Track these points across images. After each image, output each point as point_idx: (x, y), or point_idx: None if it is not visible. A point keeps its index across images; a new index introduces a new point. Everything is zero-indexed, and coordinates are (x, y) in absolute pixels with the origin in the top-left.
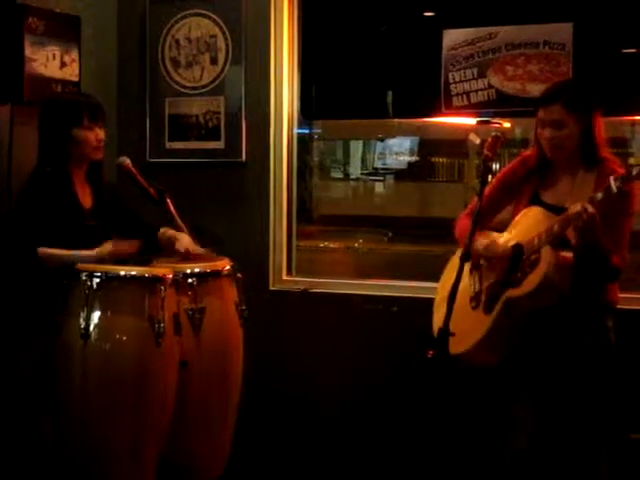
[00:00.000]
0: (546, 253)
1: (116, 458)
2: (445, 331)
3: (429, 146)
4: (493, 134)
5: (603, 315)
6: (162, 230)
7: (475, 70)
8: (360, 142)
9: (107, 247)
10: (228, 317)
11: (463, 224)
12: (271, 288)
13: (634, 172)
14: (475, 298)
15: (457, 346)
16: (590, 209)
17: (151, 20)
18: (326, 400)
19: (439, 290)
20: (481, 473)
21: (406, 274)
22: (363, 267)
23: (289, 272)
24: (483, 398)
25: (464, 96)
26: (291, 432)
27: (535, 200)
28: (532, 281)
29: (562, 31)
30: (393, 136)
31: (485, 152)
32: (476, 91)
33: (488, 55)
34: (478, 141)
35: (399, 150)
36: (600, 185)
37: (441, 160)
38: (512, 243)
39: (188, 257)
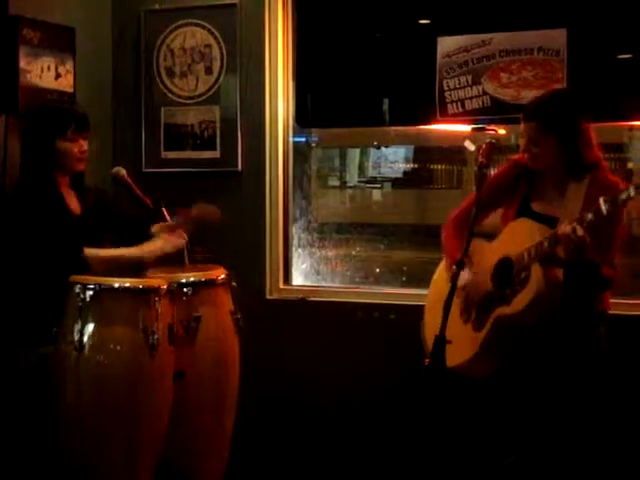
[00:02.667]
0: (536, 271)
1: (112, 468)
2: (441, 339)
3: (427, 153)
4: (487, 141)
5: (595, 324)
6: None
7: (469, 77)
8: (358, 150)
9: (157, 244)
10: (223, 326)
11: (449, 233)
12: (268, 297)
13: (623, 196)
14: (465, 311)
15: (449, 360)
16: (580, 231)
17: (146, 30)
18: (324, 409)
19: (429, 297)
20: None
21: (404, 281)
22: (360, 275)
23: (286, 281)
24: (478, 407)
25: (459, 103)
26: (289, 440)
27: (525, 208)
28: (522, 300)
29: (556, 37)
30: (391, 143)
31: (480, 159)
32: (471, 98)
33: (482, 62)
34: (473, 148)
35: (396, 158)
36: (591, 196)
37: (439, 167)
38: (500, 256)
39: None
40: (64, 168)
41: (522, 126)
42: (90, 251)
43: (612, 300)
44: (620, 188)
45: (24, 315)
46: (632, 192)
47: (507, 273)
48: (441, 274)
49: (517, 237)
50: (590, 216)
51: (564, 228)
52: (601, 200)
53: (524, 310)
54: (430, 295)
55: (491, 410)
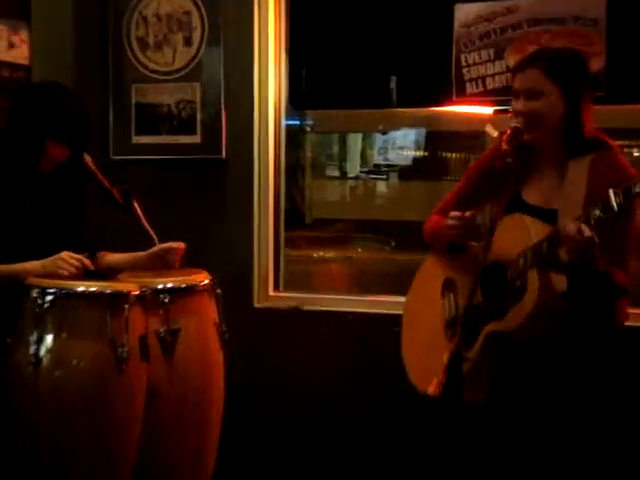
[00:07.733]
0: (533, 279)
1: None
2: (458, 354)
3: (441, 139)
4: (512, 125)
5: (606, 340)
6: (101, 254)
7: (491, 51)
8: (360, 135)
9: (61, 256)
10: (206, 339)
11: (434, 219)
12: (256, 305)
13: (638, 189)
14: (451, 325)
15: (434, 385)
16: (587, 232)
17: None
18: (320, 427)
19: (408, 312)
20: None
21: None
22: (362, 280)
23: (276, 287)
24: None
25: (479, 81)
26: (280, 455)
27: (516, 200)
28: (518, 314)
29: (594, 4)
30: (399, 128)
31: (504, 146)
32: (493, 75)
33: (507, 33)
34: (495, 134)
35: (405, 144)
36: (596, 179)
37: (454, 155)
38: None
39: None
40: None
41: (516, 83)
42: None
43: None
44: (630, 173)
45: None
46: None
47: (498, 281)
48: (422, 286)
49: (509, 237)
50: (598, 212)
51: (568, 228)
52: (611, 192)
53: (520, 326)
54: (411, 301)
55: (484, 441)
